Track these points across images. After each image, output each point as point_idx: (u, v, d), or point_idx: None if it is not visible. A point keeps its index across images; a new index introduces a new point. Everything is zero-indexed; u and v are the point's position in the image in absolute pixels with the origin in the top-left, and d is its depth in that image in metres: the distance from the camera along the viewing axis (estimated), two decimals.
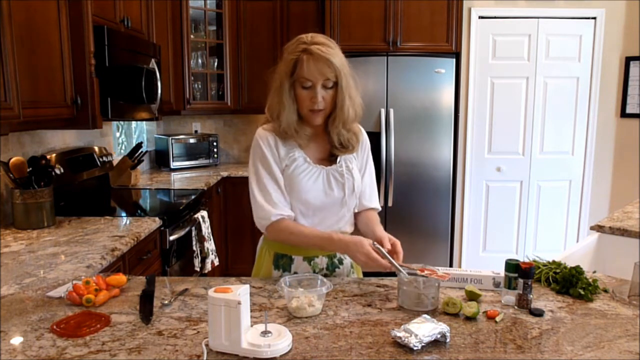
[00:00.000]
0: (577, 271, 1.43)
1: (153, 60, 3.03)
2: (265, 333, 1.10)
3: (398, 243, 1.47)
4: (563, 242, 4.43)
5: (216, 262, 3.06)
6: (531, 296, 1.31)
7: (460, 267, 4.39)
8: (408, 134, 3.96)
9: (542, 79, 4.17)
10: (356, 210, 1.66)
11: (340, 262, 1.61)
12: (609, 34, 4.09)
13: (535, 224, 4.39)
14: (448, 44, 3.88)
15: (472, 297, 1.37)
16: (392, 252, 1.44)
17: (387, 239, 1.47)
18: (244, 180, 3.99)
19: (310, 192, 1.53)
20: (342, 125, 1.52)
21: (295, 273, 1.56)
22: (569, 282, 1.41)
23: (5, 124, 1.85)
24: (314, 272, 1.56)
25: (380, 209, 1.70)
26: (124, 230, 2.15)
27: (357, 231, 1.63)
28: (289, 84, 1.47)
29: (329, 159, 1.58)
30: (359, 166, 1.63)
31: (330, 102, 1.48)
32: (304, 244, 1.53)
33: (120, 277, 1.45)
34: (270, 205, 1.50)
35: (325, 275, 1.54)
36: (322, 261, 1.58)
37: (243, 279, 1.56)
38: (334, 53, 1.44)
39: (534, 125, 4.23)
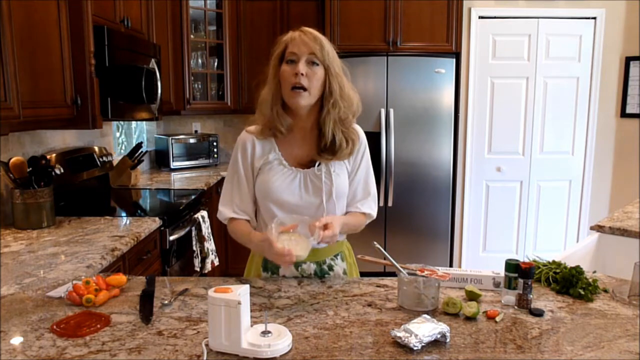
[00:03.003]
0: (577, 271, 1.43)
1: (153, 60, 3.03)
2: (265, 333, 1.10)
3: (330, 224, 1.34)
4: (563, 242, 4.43)
5: (216, 262, 3.06)
6: (531, 296, 1.31)
7: (460, 267, 4.39)
8: (408, 134, 3.96)
9: (542, 79, 4.17)
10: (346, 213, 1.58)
11: (330, 268, 1.58)
12: (609, 34, 4.09)
13: (535, 224, 4.39)
14: (448, 44, 3.88)
15: (472, 297, 1.37)
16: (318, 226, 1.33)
17: (322, 220, 1.35)
18: None
19: (283, 193, 1.49)
20: (338, 116, 1.45)
21: (283, 276, 1.55)
22: (569, 282, 1.41)
23: (5, 124, 1.85)
24: (302, 276, 1.55)
25: (374, 216, 1.61)
26: (124, 230, 2.15)
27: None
28: (278, 67, 1.46)
29: (311, 161, 1.51)
30: (350, 169, 1.55)
31: (318, 86, 1.43)
32: (243, 243, 1.55)
33: (120, 277, 1.45)
34: (227, 207, 1.55)
35: None
36: (309, 267, 1.55)
37: (243, 279, 1.56)
38: (324, 39, 1.44)
39: (534, 125, 4.23)
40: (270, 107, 1.48)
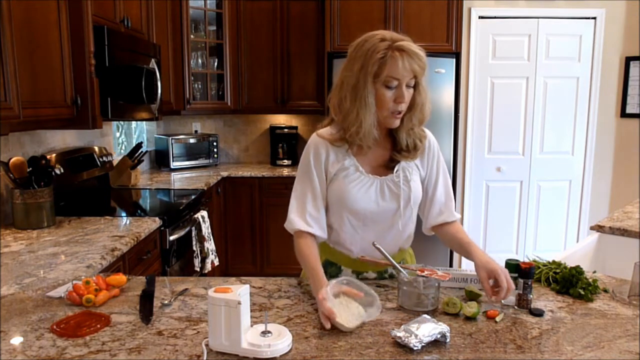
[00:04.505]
0: (577, 271, 1.43)
1: (153, 60, 3.03)
2: (265, 333, 1.10)
3: (505, 276, 1.28)
4: (563, 242, 4.42)
5: (216, 262, 3.06)
6: (531, 296, 1.31)
7: (460, 267, 4.39)
8: None
9: (542, 79, 4.17)
10: (429, 226, 1.56)
11: (392, 278, 1.57)
12: (609, 34, 4.09)
13: (535, 224, 4.39)
14: (448, 44, 3.88)
15: (472, 297, 1.37)
16: (495, 287, 1.29)
17: (500, 272, 1.28)
18: (244, 180, 4.00)
19: (360, 202, 1.44)
20: (418, 124, 1.46)
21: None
22: (569, 282, 1.41)
23: (5, 124, 1.85)
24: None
25: (459, 217, 1.57)
26: (124, 230, 2.15)
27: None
28: (371, 84, 1.35)
29: (387, 166, 1.48)
30: (423, 175, 1.53)
31: (409, 103, 1.41)
32: (302, 266, 1.46)
33: (120, 277, 1.45)
34: (298, 216, 1.46)
35: None
36: (370, 277, 1.55)
37: (243, 279, 1.56)
38: (422, 52, 1.36)
39: (534, 125, 4.23)
40: (364, 127, 1.38)
